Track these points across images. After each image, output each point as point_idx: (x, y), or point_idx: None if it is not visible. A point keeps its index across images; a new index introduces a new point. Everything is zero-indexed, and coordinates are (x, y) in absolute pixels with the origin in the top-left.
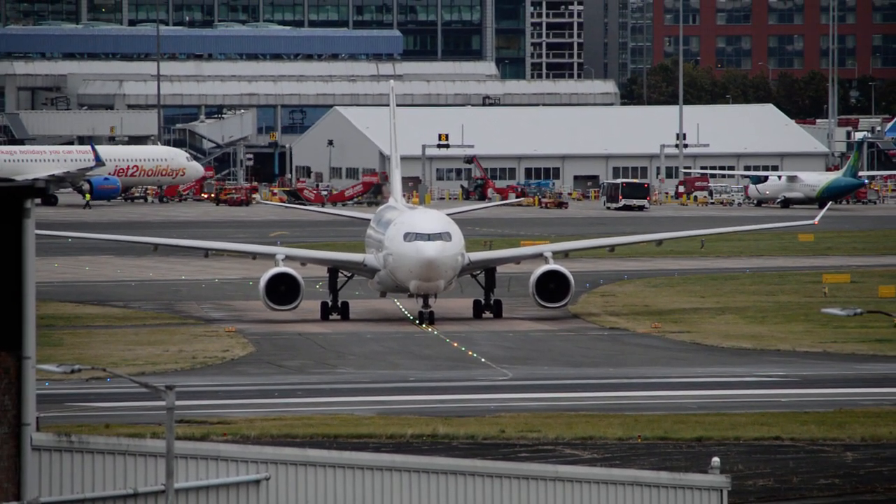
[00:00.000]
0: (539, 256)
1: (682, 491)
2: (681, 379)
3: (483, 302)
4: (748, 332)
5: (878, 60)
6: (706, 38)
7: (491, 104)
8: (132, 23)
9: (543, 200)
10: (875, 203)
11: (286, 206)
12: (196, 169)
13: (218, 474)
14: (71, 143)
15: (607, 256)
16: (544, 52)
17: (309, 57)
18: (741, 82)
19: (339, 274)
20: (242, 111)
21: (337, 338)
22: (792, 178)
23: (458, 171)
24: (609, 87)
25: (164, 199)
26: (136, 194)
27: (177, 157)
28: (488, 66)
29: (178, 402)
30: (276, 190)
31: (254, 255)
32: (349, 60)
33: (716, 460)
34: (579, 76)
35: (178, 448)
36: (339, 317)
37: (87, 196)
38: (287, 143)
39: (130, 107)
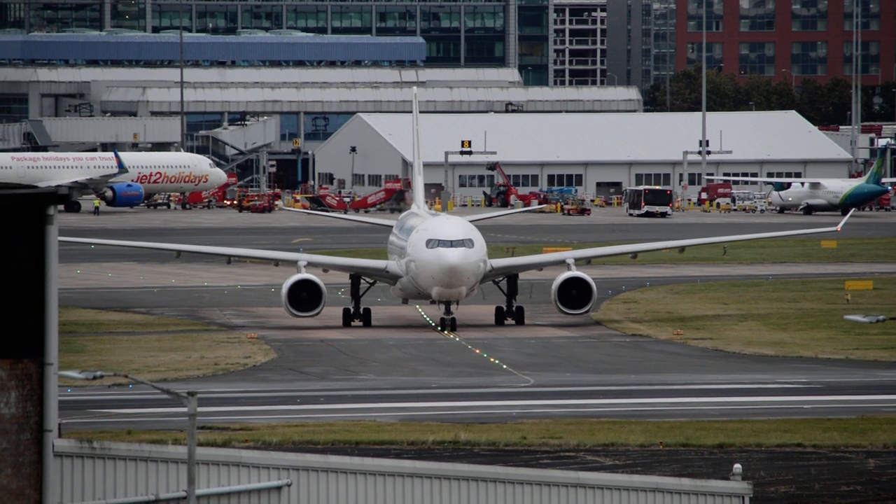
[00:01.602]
0: (561, 263)
1: (704, 497)
2: (703, 386)
3: (505, 308)
4: (770, 338)
5: None
6: (729, 44)
7: (514, 111)
8: (155, 30)
9: (566, 207)
10: None
11: (309, 213)
12: (219, 175)
13: (240, 480)
14: (94, 149)
15: (629, 263)
16: (567, 58)
17: (332, 63)
18: (764, 89)
19: (362, 280)
20: (265, 118)
21: (359, 344)
22: (815, 185)
23: (481, 178)
24: (632, 93)
25: (187, 206)
26: (159, 201)
27: (200, 164)
28: (511, 73)
29: (199, 409)
30: (298, 197)
31: (276, 262)
32: (372, 67)
33: (738, 467)
34: (602, 83)
35: (199, 454)
36: (360, 323)
37: (97, 202)
38: (310, 149)
39: (153, 113)
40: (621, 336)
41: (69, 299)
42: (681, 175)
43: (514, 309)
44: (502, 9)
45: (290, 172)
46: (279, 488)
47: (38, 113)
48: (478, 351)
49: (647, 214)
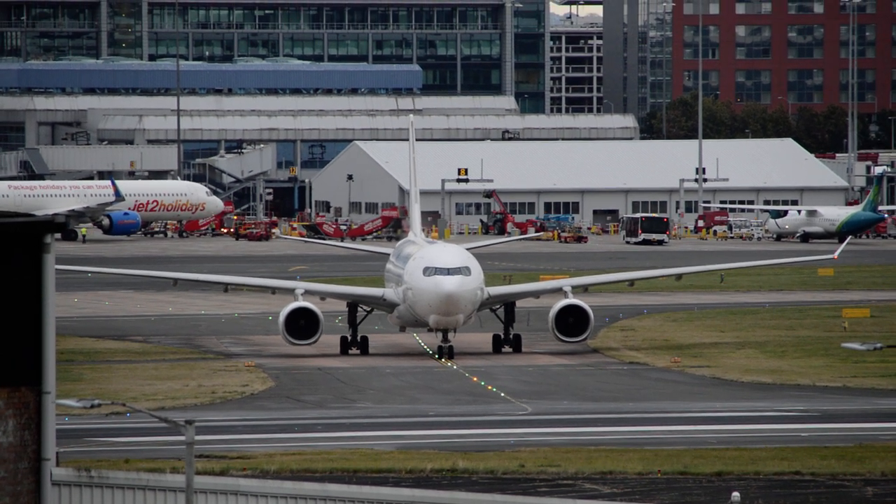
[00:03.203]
0: (558, 291)
1: None
2: (700, 413)
3: (502, 336)
4: (768, 366)
5: None
6: (725, 72)
7: (510, 138)
8: (152, 58)
9: (563, 235)
10: (895, 237)
11: (305, 241)
12: (216, 204)
13: None
14: (91, 177)
15: (627, 291)
16: (564, 86)
17: (328, 91)
18: (761, 116)
19: (359, 308)
20: (262, 146)
21: (356, 372)
22: (811, 213)
23: (478, 206)
24: (628, 121)
25: (184, 234)
26: (156, 229)
27: (196, 192)
28: (508, 101)
29: (197, 437)
30: (295, 224)
31: (273, 290)
32: (369, 95)
33: (736, 495)
34: (599, 110)
35: (197, 483)
36: (358, 351)
37: (84, 230)
38: (306, 177)
39: (150, 141)
40: (619, 364)
41: (66, 328)
42: (677, 203)
43: (511, 337)
44: (499, 37)
45: (287, 200)
46: None
47: (34, 141)
48: (475, 379)
49: (644, 242)
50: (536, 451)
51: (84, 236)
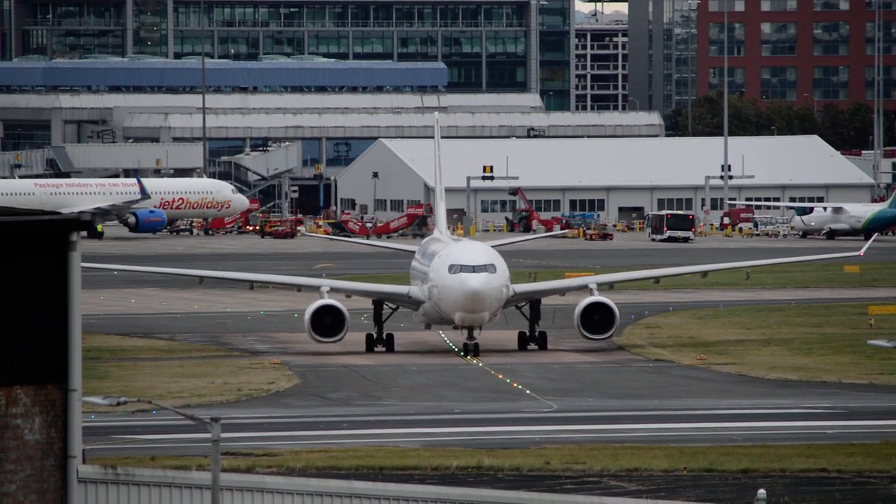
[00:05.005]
0: (584, 288)
1: None
2: (726, 410)
3: (528, 334)
4: (794, 363)
5: None
6: (751, 69)
7: (535, 136)
8: (177, 56)
9: (588, 232)
10: None
11: (331, 239)
12: (241, 201)
13: None
14: (116, 175)
15: (652, 288)
16: (589, 83)
17: (354, 89)
18: (786, 113)
19: (384, 306)
20: (287, 144)
21: (382, 370)
22: (837, 210)
23: (503, 203)
24: (654, 118)
25: (210, 232)
26: (182, 227)
27: (222, 190)
28: (533, 98)
29: (223, 435)
30: (321, 222)
31: (299, 288)
32: (394, 93)
33: (762, 492)
34: (624, 108)
35: (223, 480)
36: (383, 349)
37: (100, 227)
38: (332, 175)
39: (176, 139)
40: (644, 361)
41: (92, 325)
42: (703, 200)
43: (536, 334)
44: (524, 34)
45: (313, 198)
46: None
47: (60, 139)
48: (501, 376)
49: (670, 239)
50: (562, 448)
51: (101, 233)
